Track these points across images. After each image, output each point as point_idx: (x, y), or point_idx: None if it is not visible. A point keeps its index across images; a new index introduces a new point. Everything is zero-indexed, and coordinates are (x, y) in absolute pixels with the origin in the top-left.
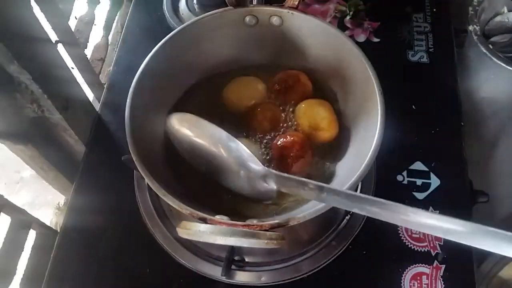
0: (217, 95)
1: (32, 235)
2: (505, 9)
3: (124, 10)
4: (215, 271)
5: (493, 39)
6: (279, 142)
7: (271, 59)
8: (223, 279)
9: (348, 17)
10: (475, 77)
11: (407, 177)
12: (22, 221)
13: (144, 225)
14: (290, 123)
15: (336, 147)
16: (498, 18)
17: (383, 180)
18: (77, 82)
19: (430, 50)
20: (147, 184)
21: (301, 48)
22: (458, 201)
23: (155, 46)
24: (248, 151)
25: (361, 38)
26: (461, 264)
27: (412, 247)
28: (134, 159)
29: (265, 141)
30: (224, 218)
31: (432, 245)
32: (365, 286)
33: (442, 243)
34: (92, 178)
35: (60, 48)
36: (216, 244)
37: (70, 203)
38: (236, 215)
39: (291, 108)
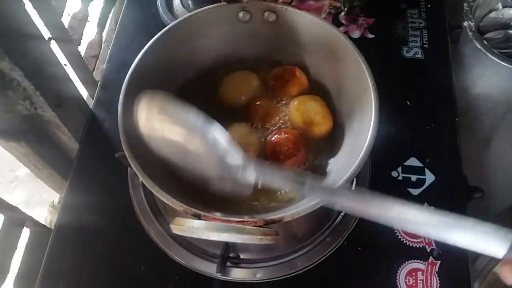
0: (212, 91)
1: (26, 233)
2: (500, 5)
3: (118, 7)
4: (210, 268)
5: (488, 35)
6: (273, 138)
7: (266, 55)
8: (218, 276)
9: (343, 13)
10: (470, 73)
11: (402, 173)
12: (16, 219)
13: (138, 223)
14: (286, 117)
15: (330, 143)
16: (492, 14)
17: (378, 176)
18: (70, 79)
19: (425, 46)
20: (141, 181)
21: (296, 44)
22: (453, 197)
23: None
24: (226, 138)
25: (356, 34)
26: (456, 260)
27: (407, 243)
28: (127, 156)
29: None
30: (218, 215)
31: (427, 241)
32: (360, 283)
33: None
34: (86, 176)
35: (53, 45)
36: (210, 240)
37: (64, 201)
38: (230, 211)
39: (287, 103)
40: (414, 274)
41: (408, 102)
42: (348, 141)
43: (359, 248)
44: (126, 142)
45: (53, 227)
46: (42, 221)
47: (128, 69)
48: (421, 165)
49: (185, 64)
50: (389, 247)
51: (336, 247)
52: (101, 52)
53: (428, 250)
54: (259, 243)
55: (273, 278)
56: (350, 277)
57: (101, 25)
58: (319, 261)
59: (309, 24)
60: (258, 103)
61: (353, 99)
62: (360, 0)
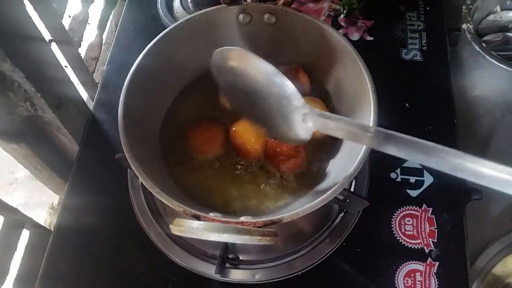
0: (213, 94)
1: (25, 234)
2: (498, 8)
3: (118, 9)
4: (209, 269)
5: (486, 37)
6: (273, 139)
7: (265, 57)
8: (218, 277)
9: (342, 16)
10: (468, 75)
11: (401, 174)
12: (15, 220)
13: (138, 224)
14: None
15: (329, 145)
16: (491, 17)
17: (377, 177)
18: (71, 81)
19: (424, 48)
20: (141, 182)
21: (295, 46)
22: (452, 198)
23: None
24: (293, 86)
25: (355, 36)
26: (454, 261)
27: (406, 244)
28: (127, 157)
29: None
30: (218, 215)
31: (425, 242)
32: (359, 284)
33: (435, 240)
34: (86, 177)
35: (54, 47)
36: (209, 241)
37: (64, 202)
38: (230, 212)
39: None
40: (412, 275)
41: (407, 104)
42: (347, 143)
43: (358, 249)
44: (126, 143)
45: (52, 229)
46: (42, 223)
47: (128, 71)
48: (420, 166)
49: (185, 66)
50: (388, 248)
51: (335, 248)
52: (101, 54)
53: (427, 251)
54: (258, 244)
55: (272, 279)
56: (349, 278)
57: (102, 27)
58: (318, 262)
59: (308, 26)
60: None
61: (352, 101)
62: (359, 2)
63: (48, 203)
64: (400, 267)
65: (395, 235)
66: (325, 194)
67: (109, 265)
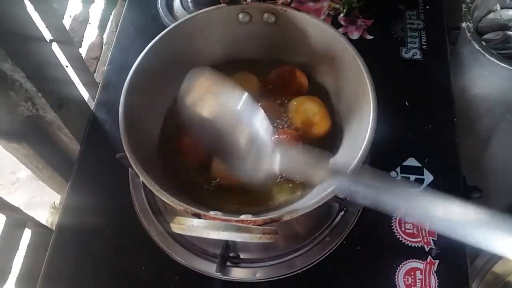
0: None
1: (27, 234)
2: (498, 7)
3: (119, 9)
4: (210, 268)
5: (486, 36)
6: (272, 138)
7: (265, 56)
8: (218, 275)
9: (342, 15)
10: (468, 74)
11: (401, 173)
12: (17, 220)
13: (139, 223)
14: (286, 118)
15: (329, 143)
16: (491, 16)
17: None
18: (72, 81)
19: (423, 47)
20: (142, 181)
21: (295, 45)
22: (452, 196)
23: None
24: (266, 123)
25: (355, 35)
26: (454, 259)
27: (406, 243)
28: (128, 156)
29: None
30: (218, 214)
31: (425, 240)
32: (359, 282)
33: (435, 238)
34: (87, 177)
35: (55, 47)
36: (210, 240)
37: (65, 202)
38: (229, 210)
39: (287, 103)
40: (412, 273)
41: (406, 103)
42: (347, 141)
43: (358, 248)
44: (127, 142)
45: (54, 228)
46: (44, 223)
47: (129, 70)
48: (420, 165)
49: (185, 65)
50: (388, 246)
51: (336, 246)
52: (102, 54)
53: (427, 250)
54: (258, 242)
55: (272, 278)
56: (349, 276)
57: (102, 27)
58: (318, 261)
59: (308, 25)
60: (259, 104)
61: (352, 100)
62: (359, 1)
63: (49, 203)
64: (401, 265)
65: (395, 234)
66: (325, 193)
67: (110, 264)
